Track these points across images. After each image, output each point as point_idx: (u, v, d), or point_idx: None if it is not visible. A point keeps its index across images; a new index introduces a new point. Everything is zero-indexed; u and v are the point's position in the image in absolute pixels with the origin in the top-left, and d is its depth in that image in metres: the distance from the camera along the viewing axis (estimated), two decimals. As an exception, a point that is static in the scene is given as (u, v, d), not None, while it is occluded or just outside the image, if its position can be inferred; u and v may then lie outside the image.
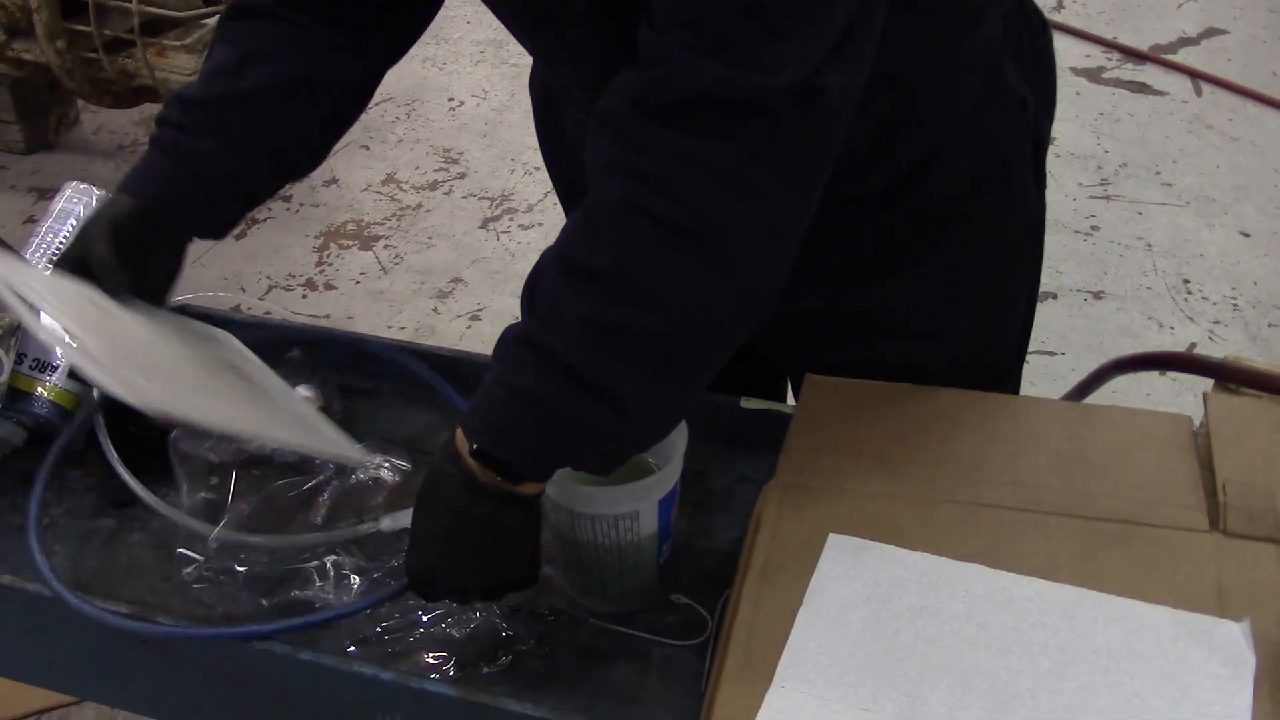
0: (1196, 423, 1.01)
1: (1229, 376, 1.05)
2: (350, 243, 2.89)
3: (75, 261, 1.00)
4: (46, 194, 3.04)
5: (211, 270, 2.79)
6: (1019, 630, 0.84)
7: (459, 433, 0.82)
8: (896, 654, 0.82)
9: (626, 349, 0.77)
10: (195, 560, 0.99)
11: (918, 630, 0.84)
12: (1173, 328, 2.52)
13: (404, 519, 0.93)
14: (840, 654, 0.82)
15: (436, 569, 0.86)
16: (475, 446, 0.81)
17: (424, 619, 0.93)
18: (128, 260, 0.99)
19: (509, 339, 0.81)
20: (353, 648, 0.92)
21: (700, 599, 0.94)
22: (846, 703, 0.79)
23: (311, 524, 1.00)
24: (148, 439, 1.08)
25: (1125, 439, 0.99)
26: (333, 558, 0.97)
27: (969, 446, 0.99)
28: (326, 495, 1.02)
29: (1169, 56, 3.52)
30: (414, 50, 1.14)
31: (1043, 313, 2.56)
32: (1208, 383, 1.10)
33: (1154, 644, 0.82)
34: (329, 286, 2.75)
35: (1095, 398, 1.25)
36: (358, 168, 3.13)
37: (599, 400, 0.77)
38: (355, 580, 0.96)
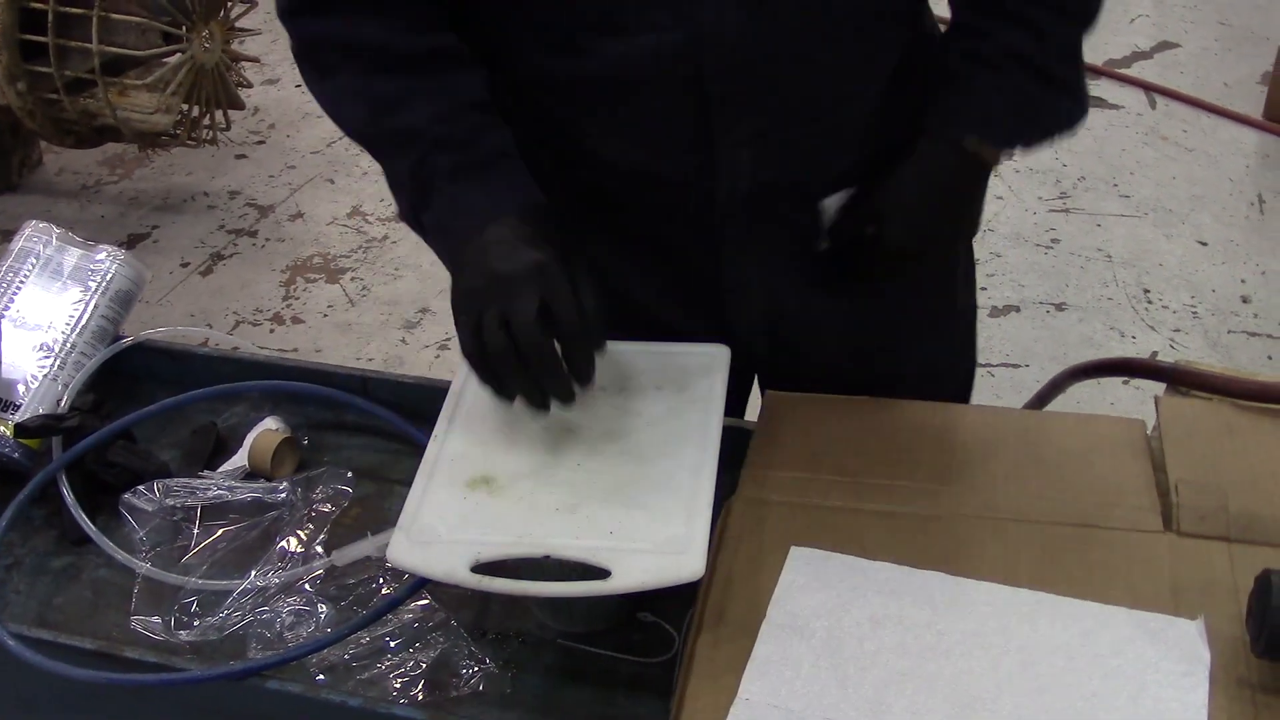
0: (1150, 427, 1.03)
1: (1179, 380, 1.07)
2: (317, 276, 2.89)
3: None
4: (9, 235, 3.03)
5: (179, 307, 2.78)
6: (979, 635, 0.85)
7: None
8: (859, 662, 0.83)
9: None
10: (157, 611, 0.98)
11: (880, 639, 0.85)
12: (1134, 337, 2.55)
13: (354, 552, 0.96)
14: (804, 665, 0.83)
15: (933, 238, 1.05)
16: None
17: (391, 644, 0.94)
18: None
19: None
20: (321, 676, 0.92)
21: (667, 616, 0.95)
22: (811, 713, 0.80)
23: (272, 562, 1.00)
24: (109, 476, 1.09)
25: (1080, 444, 1.01)
26: (298, 594, 0.98)
27: (928, 457, 1.01)
28: (286, 532, 1.02)
29: (1124, 70, 3.58)
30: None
31: (1006, 325, 2.61)
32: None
33: (1111, 644, 0.83)
34: (296, 320, 2.75)
35: (1062, 408, 1.26)
36: (323, 201, 3.14)
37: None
38: (322, 611, 0.96)
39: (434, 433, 0.96)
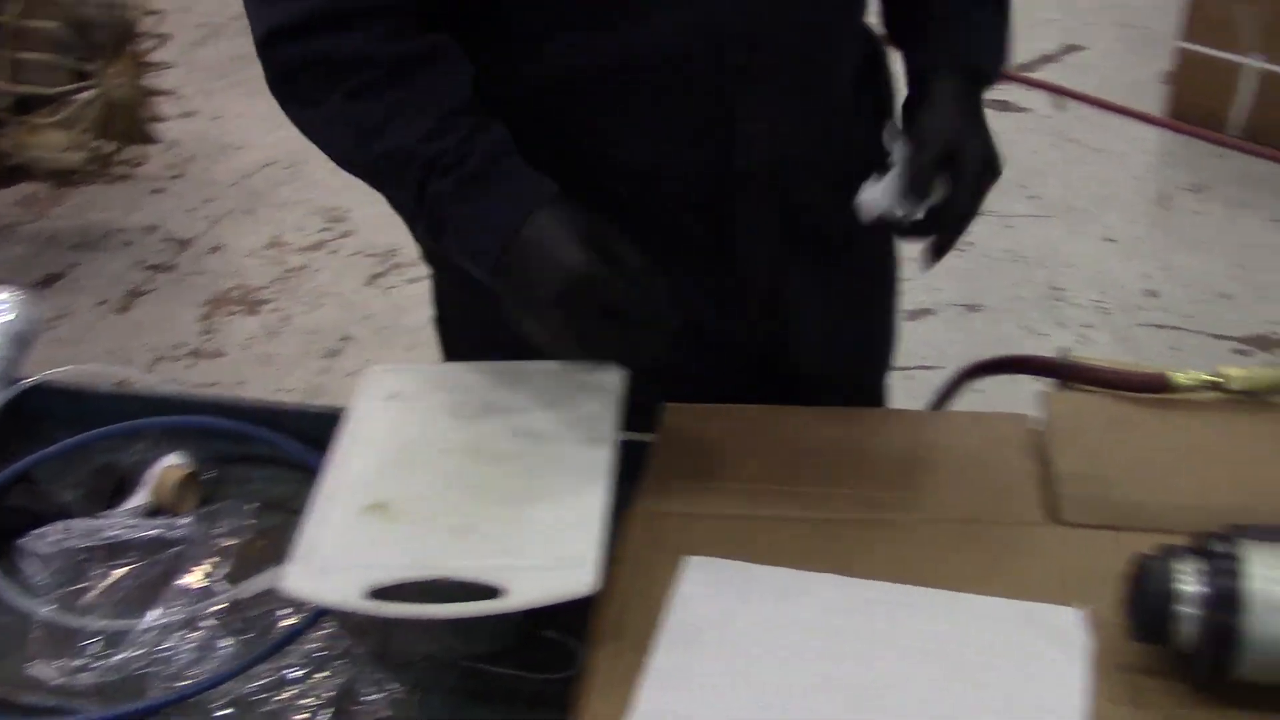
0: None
1: (1066, 375, 1.10)
2: (237, 308, 2.87)
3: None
4: (-80, 281, 2.99)
5: (97, 345, 2.76)
6: (871, 634, 0.87)
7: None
8: (755, 668, 0.85)
9: None
10: (59, 655, 0.98)
11: (774, 643, 0.86)
12: (1046, 334, 2.60)
13: (257, 584, 0.97)
14: (700, 674, 0.84)
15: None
16: None
17: (294, 675, 0.94)
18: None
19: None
20: (222, 711, 0.92)
21: (570, 632, 0.95)
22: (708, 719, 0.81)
23: (174, 599, 1.00)
24: (9, 519, 1.08)
25: (969, 443, 1.04)
26: (200, 629, 0.98)
27: (822, 462, 1.03)
28: (188, 568, 1.02)
29: (1031, 75, 3.65)
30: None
31: (921, 328, 2.65)
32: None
33: (997, 635, 0.86)
34: (217, 354, 2.73)
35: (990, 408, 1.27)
36: (243, 233, 3.12)
37: None
38: (225, 645, 0.96)
39: (328, 460, 0.97)
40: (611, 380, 1.02)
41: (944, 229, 1.08)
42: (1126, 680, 0.83)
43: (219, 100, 3.73)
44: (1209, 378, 1.06)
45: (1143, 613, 0.81)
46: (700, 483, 1.01)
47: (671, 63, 1.00)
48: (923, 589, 0.90)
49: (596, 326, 0.92)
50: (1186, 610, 0.79)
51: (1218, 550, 0.80)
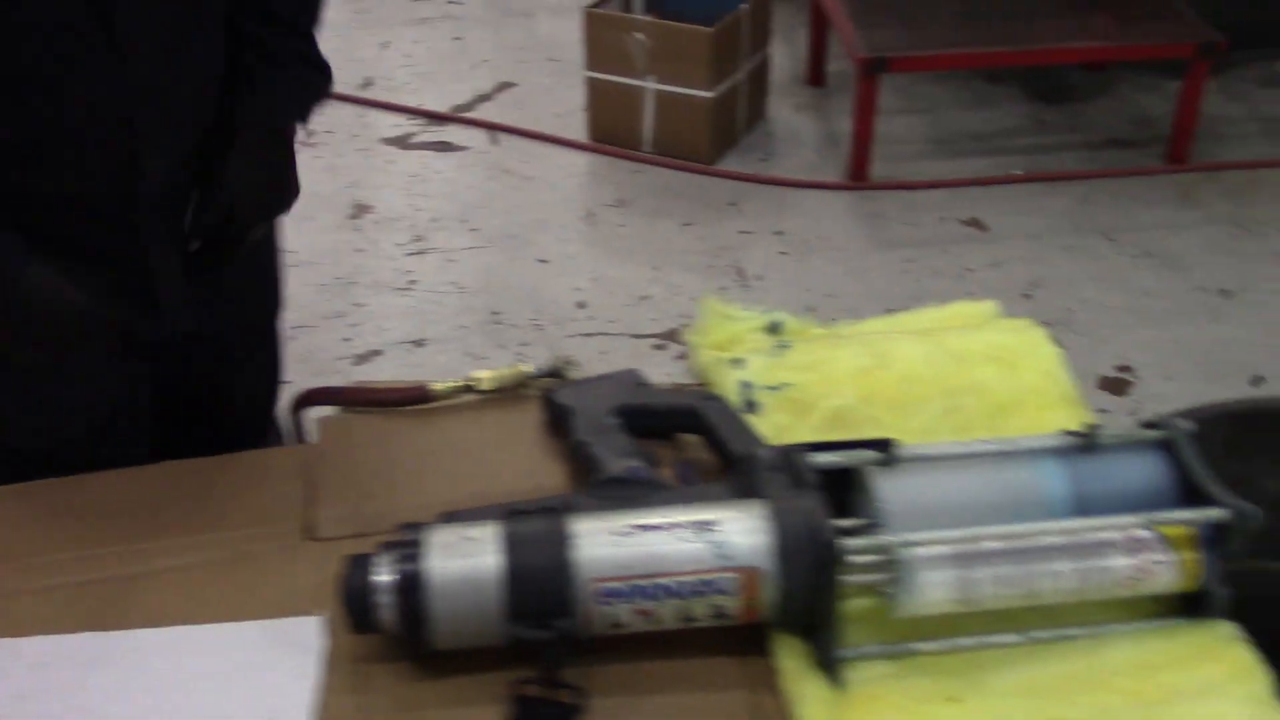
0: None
1: (346, 400, 1.19)
2: None
3: None
4: None
5: None
6: (128, 681, 0.90)
7: None
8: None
9: None
10: None
11: (25, 712, 0.88)
12: (487, 357, 2.75)
13: None
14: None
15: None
16: None
17: None
18: None
19: None
20: None
21: None
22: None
23: None
24: None
25: (240, 479, 1.10)
26: None
27: (98, 524, 1.05)
28: None
29: (469, 114, 3.83)
30: None
31: (370, 369, 2.72)
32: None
33: (237, 659, 0.92)
34: None
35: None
36: None
37: None
38: None
39: None
40: None
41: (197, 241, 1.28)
42: (356, 670, 0.91)
43: None
44: (463, 382, 1.17)
45: (351, 606, 0.89)
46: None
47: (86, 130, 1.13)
48: (176, 628, 0.94)
49: None
50: (383, 598, 0.88)
51: (406, 539, 0.90)
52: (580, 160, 3.60)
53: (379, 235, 3.22)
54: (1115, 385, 2.67)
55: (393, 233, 3.23)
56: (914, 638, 0.92)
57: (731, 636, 0.93)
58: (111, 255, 1.20)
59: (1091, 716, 0.86)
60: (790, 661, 0.90)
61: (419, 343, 2.82)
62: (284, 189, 1.31)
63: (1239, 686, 0.87)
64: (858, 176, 3.44)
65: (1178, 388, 2.67)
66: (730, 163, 3.55)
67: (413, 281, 3.04)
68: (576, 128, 3.71)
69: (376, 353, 2.77)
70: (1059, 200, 3.38)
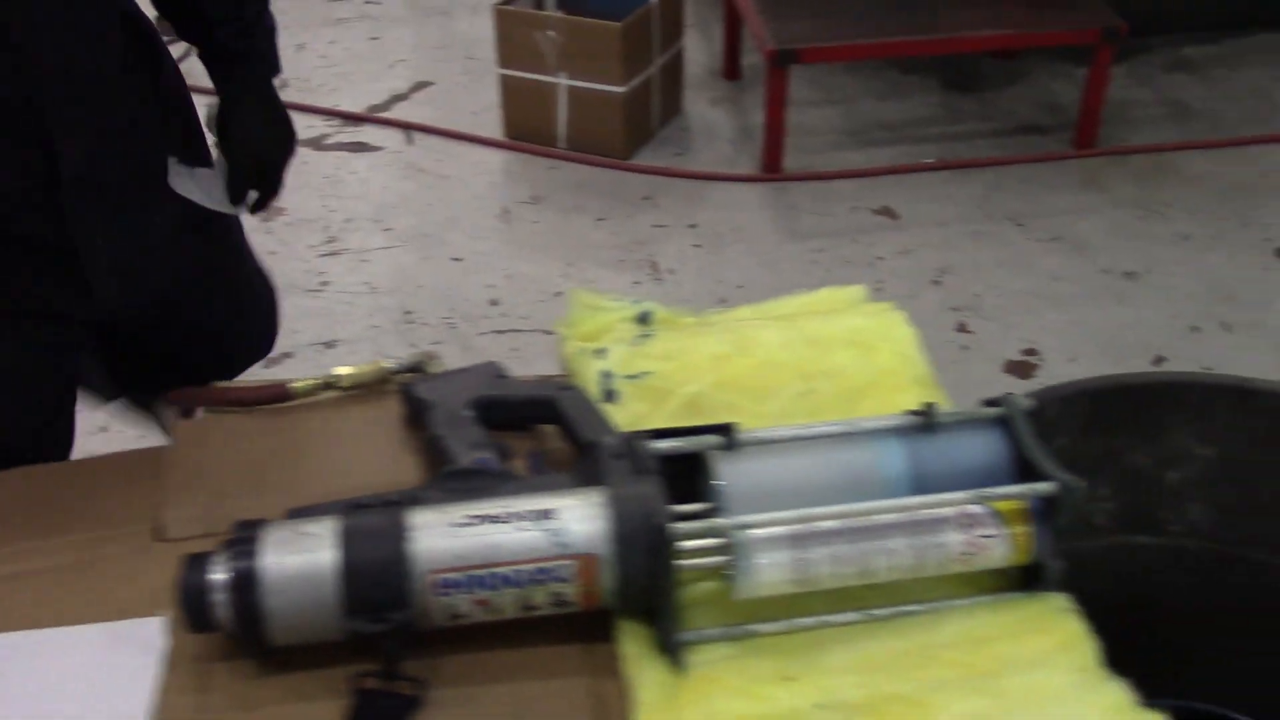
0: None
1: (205, 401, 1.18)
2: None
3: None
4: None
5: None
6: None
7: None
8: None
9: None
10: None
11: None
12: (399, 356, 2.73)
13: None
14: None
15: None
16: None
17: None
18: None
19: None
20: None
21: None
22: None
23: None
24: None
25: (94, 484, 1.09)
26: None
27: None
28: None
29: (384, 114, 3.82)
30: None
31: (280, 372, 2.70)
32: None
33: (80, 663, 0.91)
34: None
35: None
36: None
37: None
38: None
39: None
40: None
41: (256, 210, 1.49)
42: (198, 670, 0.91)
43: None
44: (323, 380, 1.17)
45: (188, 605, 0.89)
46: None
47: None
48: (18, 634, 0.93)
49: None
50: (218, 596, 0.88)
51: (242, 537, 0.90)
52: (496, 158, 3.60)
53: (291, 237, 3.20)
54: (1021, 369, 2.71)
55: (306, 234, 3.21)
56: (757, 619, 0.93)
57: (578, 624, 0.93)
58: (38, 237, 1.23)
59: (922, 690, 0.87)
60: (633, 647, 0.91)
61: (330, 344, 2.80)
62: (292, 128, 1.46)
63: (1066, 656, 0.89)
64: (771, 168, 3.46)
65: (1082, 369, 2.71)
66: (646, 157, 3.56)
67: (325, 283, 3.02)
68: (492, 126, 3.71)
69: (287, 355, 2.75)
70: (969, 187, 3.42)
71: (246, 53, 1.39)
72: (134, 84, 1.29)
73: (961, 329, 2.74)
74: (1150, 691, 1.48)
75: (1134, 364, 2.70)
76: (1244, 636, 1.43)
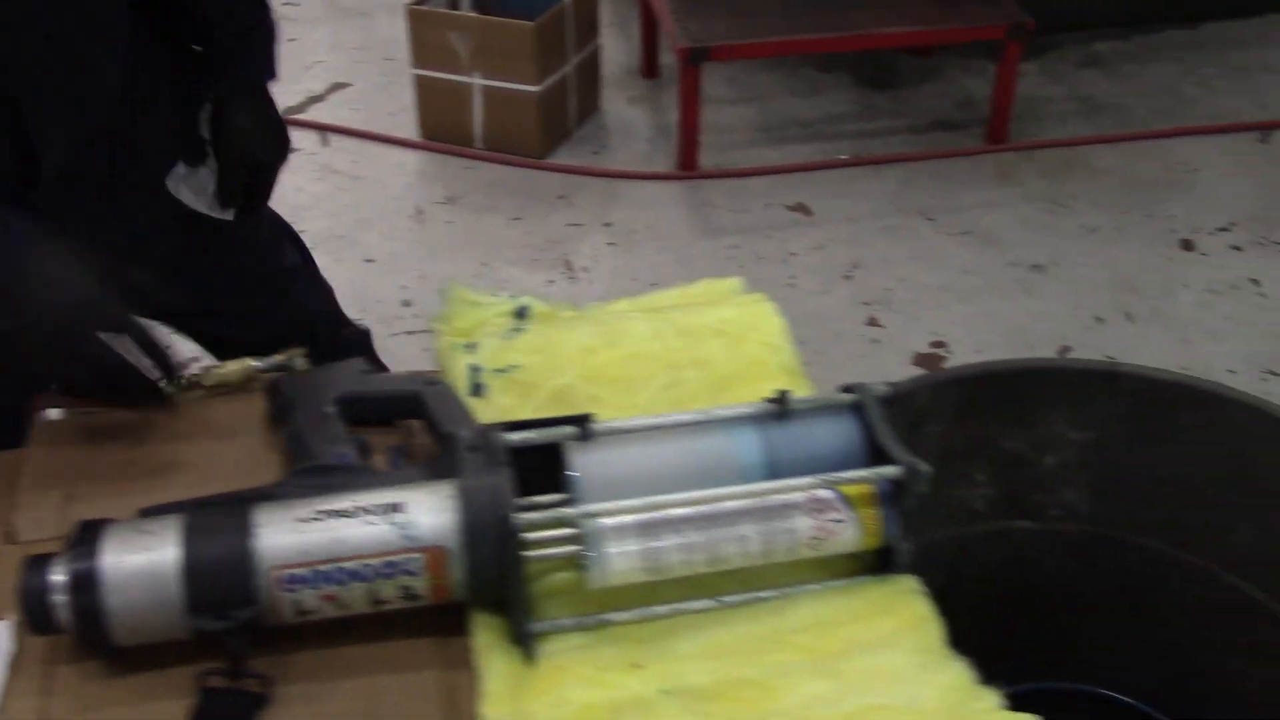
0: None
1: (69, 402, 1.16)
2: None
3: None
4: None
5: None
6: None
7: None
8: None
9: None
10: None
11: None
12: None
13: None
14: None
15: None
16: None
17: None
18: None
19: None
20: None
21: None
22: None
23: None
24: None
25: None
26: None
27: None
28: None
29: (300, 116, 3.78)
30: None
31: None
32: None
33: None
34: None
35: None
36: None
37: None
38: None
39: None
40: None
41: (244, 214, 1.46)
42: (43, 672, 0.89)
43: None
44: (188, 379, 1.16)
45: (28, 607, 0.87)
46: None
47: None
48: None
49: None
50: (58, 598, 0.87)
51: (83, 537, 0.89)
52: (411, 159, 3.58)
53: (202, 240, 3.16)
54: (929, 361, 2.74)
55: (216, 237, 3.17)
56: (613, 608, 0.94)
57: (435, 618, 0.93)
58: None
59: (770, 674, 0.88)
60: (485, 638, 0.91)
61: (239, 347, 2.77)
62: (286, 133, 1.48)
63: (910, 638, 0.90)
64: (687, 166, 3.48)
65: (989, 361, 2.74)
66: (562, 156, 3.56)
67: (234, 286, 2.99)
68: (409, 127, 3.69)
69: (195, 359, 2.72)
70: (882, 183, 3.45)
71: (243, 53, 1.39)
72: (134, 84, 1.28)
73: (872, 322, 2.76)
74: (1032, 674, 1.51)
75: (1041, 354, 2.74)
76: (1122, 618, 1.46)
